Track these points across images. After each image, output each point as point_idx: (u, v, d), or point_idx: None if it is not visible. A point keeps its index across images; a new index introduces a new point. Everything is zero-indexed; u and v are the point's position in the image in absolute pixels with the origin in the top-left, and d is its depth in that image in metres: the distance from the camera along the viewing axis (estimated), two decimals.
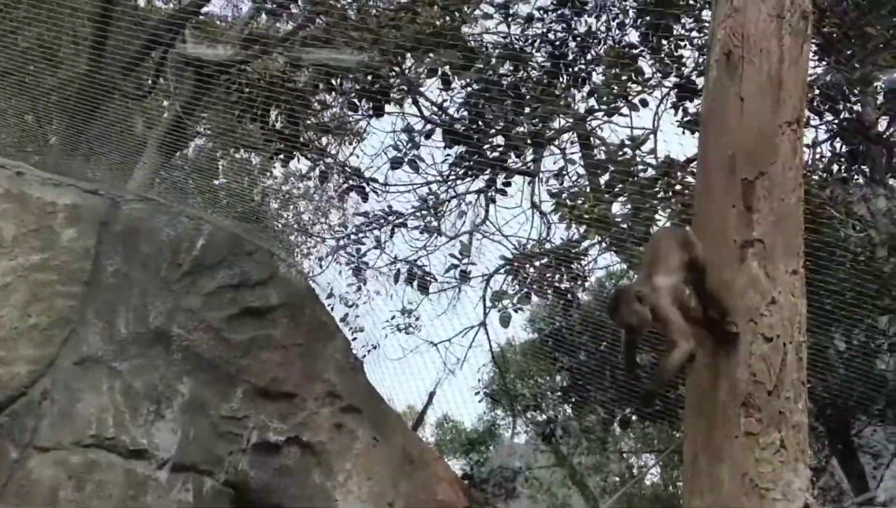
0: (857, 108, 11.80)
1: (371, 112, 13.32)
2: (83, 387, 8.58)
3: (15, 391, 8.28)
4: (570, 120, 13.13)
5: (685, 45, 12.36)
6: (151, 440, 8.77)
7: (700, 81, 11.62)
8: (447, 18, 12.76)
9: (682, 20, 12.25)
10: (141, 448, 8.71)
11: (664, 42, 12.42)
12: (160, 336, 8.96)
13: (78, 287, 8.72)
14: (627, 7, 12.90)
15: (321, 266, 15.36)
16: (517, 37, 13.19)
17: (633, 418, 15.55)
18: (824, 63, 11.31)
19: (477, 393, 17.33)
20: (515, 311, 13.02)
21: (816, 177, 11.35)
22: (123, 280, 8.94)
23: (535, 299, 14.24)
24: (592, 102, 12.95)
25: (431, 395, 15.43)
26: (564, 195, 11.95)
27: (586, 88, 13.02)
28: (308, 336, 9.72)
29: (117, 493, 8.50)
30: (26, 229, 8.65)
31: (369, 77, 12.97)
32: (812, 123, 11.61)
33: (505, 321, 13.03)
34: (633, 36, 12.91)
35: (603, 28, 13.13)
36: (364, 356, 14.86)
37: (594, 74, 13.07)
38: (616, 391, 14.24)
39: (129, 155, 13.41)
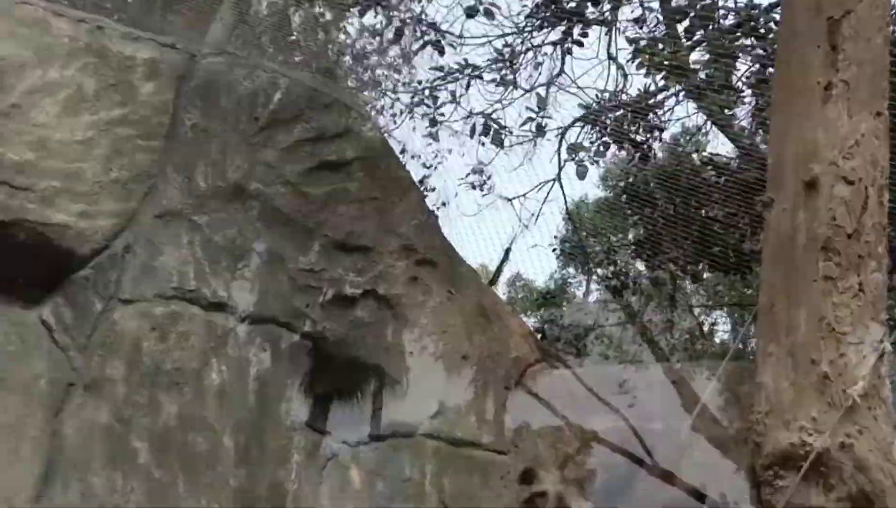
0: None
1: None
2: (164, 241, 8.73)
3: (98, 244, 8.45)
4: None
5: None
6: (231, 294, 8.94)
7: None
8: None
9: None
10: (221, 301, 8.89)
11: None
12: (238, 190, 9.06)
13: (157, 141, 8.82)
14: None
15: (395, 122, 15.37)
16: None
17: (706, 275, 15.54)
18: None
19: (553, 249, 17.39)
20: (591, 163, 12.97)
21: None
22: (201, 134, 9.01)
23: (609, 154, 14.17)
24: None
25: (507, 251, 15.48)
26: (643, 42, 11.74)
27: None
28: (383, 190, 9.77)
29: (199, 345, 8.71)
30: (106, 84, 8.72)
31: None
32: None
33: (581, 174, 12.98)
34: None
35: None
36: (437, 209, 14.88)
37: None
38: (689, 246, 14.18)
39: (205, 10, 13.39)
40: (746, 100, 12.36)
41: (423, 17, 13.89)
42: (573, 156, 13.38)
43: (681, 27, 12.14)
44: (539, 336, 15.66)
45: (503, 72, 13.71)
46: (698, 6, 11.66)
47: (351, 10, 13.43)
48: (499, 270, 15.92)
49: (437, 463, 9.67)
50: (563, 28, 13.35)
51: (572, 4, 12.87)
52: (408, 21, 13.82)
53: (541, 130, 13.70)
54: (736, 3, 11.69)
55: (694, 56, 11.88)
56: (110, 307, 8.45)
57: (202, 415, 8.61)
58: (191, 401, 8.58)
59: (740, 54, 11.26)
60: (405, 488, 9.48)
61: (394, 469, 9.52)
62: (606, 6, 13.08)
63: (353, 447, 9.53)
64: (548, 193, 15.14)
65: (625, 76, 13.43)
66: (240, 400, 8.82)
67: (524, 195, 15.42)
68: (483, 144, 14.37)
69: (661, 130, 13.62)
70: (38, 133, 8.27)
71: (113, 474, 8.17)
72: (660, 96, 12.73)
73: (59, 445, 8.06)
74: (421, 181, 15.67)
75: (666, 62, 11.11)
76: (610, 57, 13.65)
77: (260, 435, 8.87)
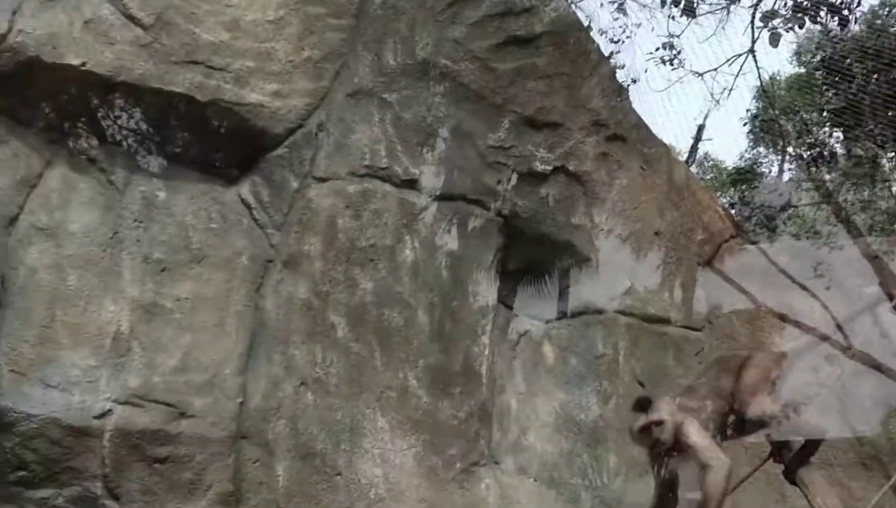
0: None
1: None
2: (356, 119, 8.78)
3: (292, 123, 8.55)
4: None
5: None
6: (422, 171, 8.96)
7: None
8: None
9: None
10: (412, 178, 8.92)
11: None
12: (426, 67, 9.01)
13: (347, 20, 8.82)
14: None
15: None
16: None
17: None
18: None
19: (745, 124, 16.90)
20: (786, 31, 12.44)
21: None
22: (390, 11, 8.97)
23: (803, 29, 13.59)
24: None
25: (701, 128, 15.11)
26: None
27: None
28: (573, 65, 9.60)
29: (392, 221, 8.78)
30: None
31: None
32: None
33: (775, 40, 12.47)
34: None
35: None
36: (626, 86, 14.59)
37: None
38: (886, 124, 13.59)
39: None
40: None
41: None
42: (766, 23, 12.85)
43: None
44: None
45: None
46: None
47: None
48: (694, 146, 15.56)
49: (630, 340, 9.62)
50: None
51: None
52: None
53: None
54: None
55: None
56: (305, 185, 8.57)
57: (397, 291, 8.72)
58: (385, 277, 8.69)
59: None
60: (598, 364, 9.47)
61: (586, 345, 9.51)
62: None
63: (545, 323, 9.55)
64: (740, 67, 14.66)
65: None
66: (433, 277, 8.89)
67: (716, 70, 14.97)
68: (673, 17, 13.94)
69: (859, 2, 12.96)
70: (232, 13, 8.37)
71: (313, 347, 8.38)
72: None
73: (260, 319, 8.30)
74: (609, 57, 15.34)
75: None
76: None
77: (453, 311, 8.95)
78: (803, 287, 10.54)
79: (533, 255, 9.60)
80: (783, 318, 10.22)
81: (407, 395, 8.65)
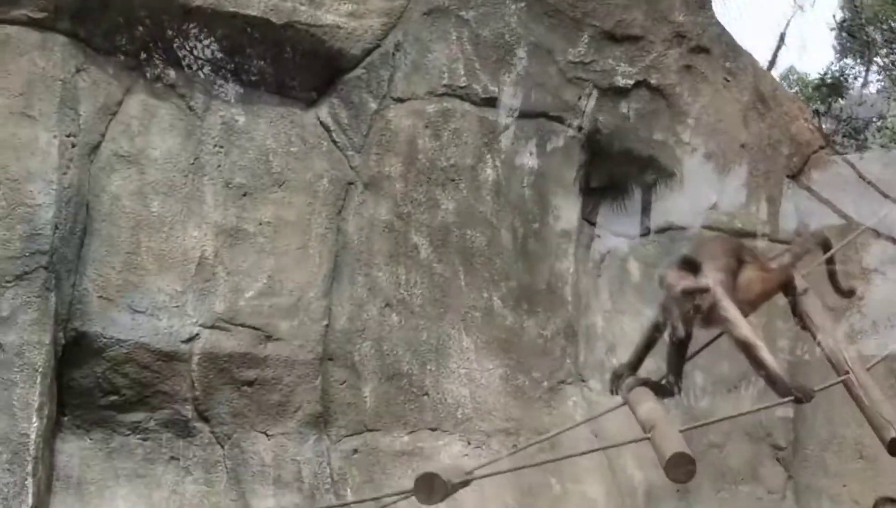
0: None
1: None
2: (433, 38, 8.68)
3: (369, 43, 8.48)
4: None
5: None
6: (501, 88, 8.85)
7: None
8: None
9: None
10: (491, 96, 8.82)
11: None
12: None
13: None
14: None
15: None
16: None
17: None
18: None
19: (832, 30, 16.50)
20: None
21: None
22: None
23: None
24: None
25: (783, 36, 14.75)
26: None
27: None
28: None
29: (472, 141, 8.71)
30: None
31: None
32: None
33: None
34: None
35: None
36: None
37: None
38: None
39: None
40: None
41: None
42: None
43: None
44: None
45: None
46: None
47: None
48: (775, 55, 15.21)
49: None
50: None
51: None
52: None
53: None
54: None
55: None
56: (384, 106, 8.51)
57: (479, 211, 8.66)
58: (467, 197, 8.63)
59: None
60: None
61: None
62: None
63: (630, 239, 9.45)
64: None
65: None
66: (515, 195, 8.81)
67: None
68: None
69: None
70: None
71: (396, 268, 8.38)
72: None
73: (343, 241, 8.30)
74: None
75: None
76: None
77: (536, 230, 8.88)
78: (894, 200, 10.28)
79: (616, 171, 9.47)
80: (877, 232, 9.99)
81: (491, 315, 8.63)
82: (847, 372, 5.71)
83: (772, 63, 15.22)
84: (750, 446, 9.28)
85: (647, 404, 5.60)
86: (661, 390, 5.80)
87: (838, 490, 9.08)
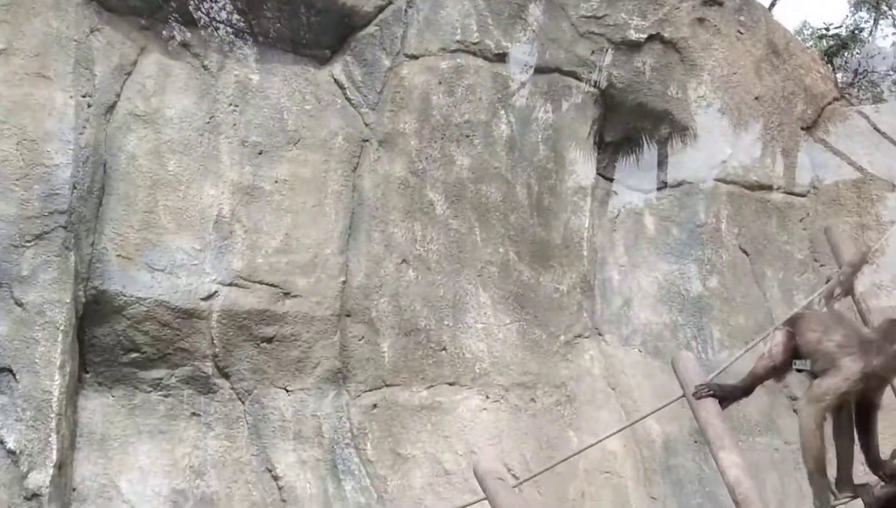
0: None
1: None
2: None
3: (381, 0, 8.47)
4: None
5: None
6: (514, 44, 8.84)
7: None
8: None
9: None
10: (504, 52, 8.82)
11: None
12: None
13: None
14: None
15: None
16: None
17: None
18: None
19: None
20: None
21: None
22: None
23: None
24: None
25: None
26: None
27: None
28: None
29: (486, 96, 8.72)
30: None
31: None
32: None
33: None
34: None
35: None
36: None
37: None
38: None
39: None
40: None
41: None
42: None
43: None
44: None
45: None
46: None
47: None
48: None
49: (732, 208, 9.48)
50: None
51: None
52: None
53: None
54: None
55: None
56: (397, 63, 8.52)
57: (494, 166, 8.68)
58: (482, 153, 8.65)
59: None
60: (700, 233, 9.36)
61: (687, 215, 9.41)
62: None
63: (645, 194, 9.45)
64: None
65: None
66: (530, 150, 8.82)
67: None
68: None
69: None
70: None
71: (412, 225, 8.40)
72: None
73: (359, 198, 8.33)
74: None
75: None
76: None
77: (552, 185, 8.89)
78: None
79: (630, 126, 9.47)
80: (893, 184, 9.97)
81: (508, 270, 8.66)
82: None
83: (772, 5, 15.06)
84: (767, 398, 9.29)
85: None
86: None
87: None
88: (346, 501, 7.86)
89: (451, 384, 8.39)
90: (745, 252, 9.36)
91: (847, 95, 11.39)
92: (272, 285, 7.91)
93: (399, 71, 8.52)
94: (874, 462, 5.37)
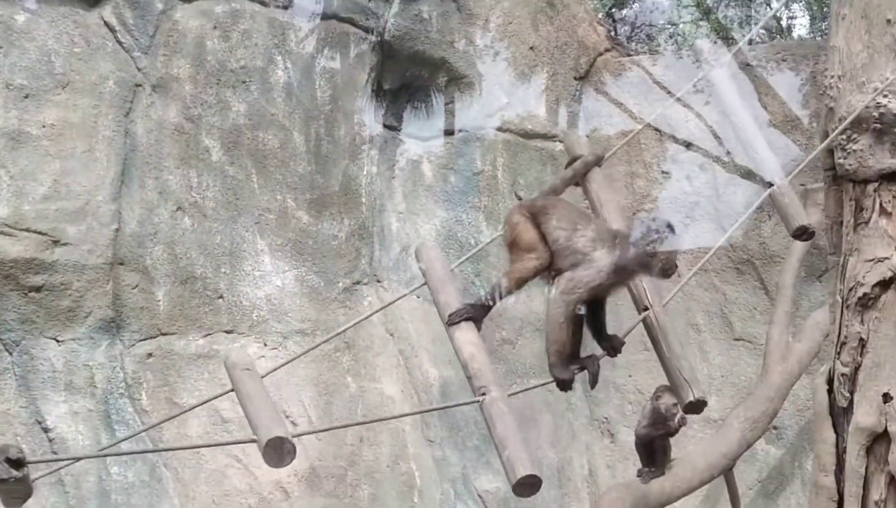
0: None
1: None
2: None
3: None
4: None
5: None
6: None
7: None
8: None
9: None
10: None
11: None
12: None
13: None
14: None
15: None
16: None
17: None
18: None
19: None
20: None
21: None
22: None
23: None
24: None
25: None
26: None
27: None
28: None
29: (262, 42, 8.66)
30: None
31: None
32: None
33: None
34: None
35: None
36: None
37: None
38: None
39: None
40: None
41: None
42: None
43: None
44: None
45: None
46: None
47: None
48: None
49: (509, 156, 9.68)
50: None
51: None
52: None
53: None
54: None
55: None
56: (170, 6, 8.36)
57: (271, 113, 8.64)
58: (258, 99, 8.59)
59: None
60: (477, 180, 9.53)
61: (465, 162, 9.56)
62: None
63: (424, 141, 9.55)
64: None
65: None
66: (308, 98, 8.81)
67: None
68: None
69: None
70: None
71: (187, 172, 8.31)
72: None
73: (131, 144, 8.16)
74: None
75: None
76: None
77: (330, 132, 8.91)
78: (683, 102, 10.61)
79: (409, 74, 9.53)
80: (660, 131, 10.30)
81: (286, 217, 8.66)
82: (646, 308, 5.81)
83: None
84: (540, 342, 9.58)
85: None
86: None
87: (625, 380, 9.52)
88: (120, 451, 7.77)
89: (228, 332, 8.37)
90: (519, 198, 9.58)
91: (621, 47, 11.69)
92: (40, 232, 7.69)
93: (172, 15, 8.37)
94: (601, 337, 5.64)
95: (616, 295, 5.72)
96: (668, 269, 5.40)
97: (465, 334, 5.30)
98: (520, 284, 5.64)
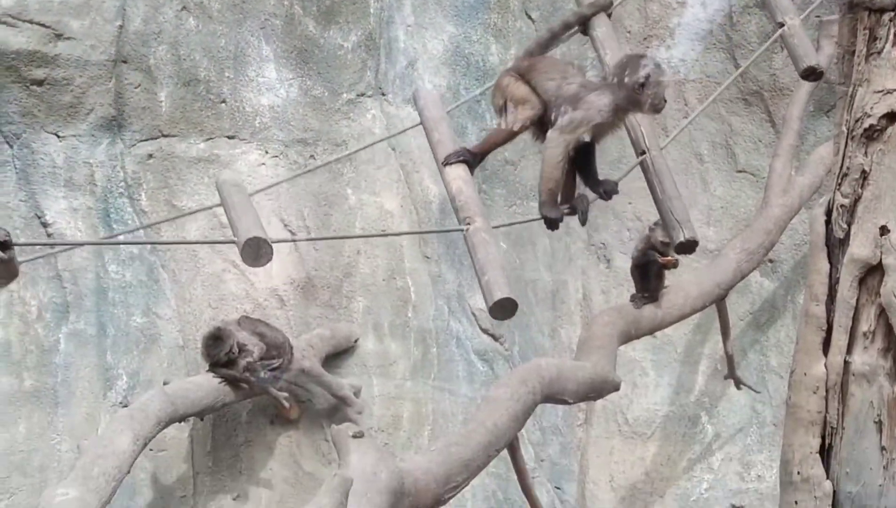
0: None
1: None
2: None
3: None
4: None
5: None
6: None
7: None
8: None
9: None
10: None
11: None
12: None
13: None
14: None
15: None
16: None
17: None
18: None
19: None
20: None
21: None
22: None
23: None
24: None
25: None
26: None
27: None
28: None
29: None
30: None
31: None
32: None
33: None
34: None
35: None
36: None
37: None
38: None
39: None
40: None
41: None
42: None
43: None
44: None
45: None
46: None
47: None
48: None
49: None
50: None
51: None
52: None
53: None
54: None
55: None
56: None
57: None
58: None
59: None
60: None
61: None
62: None
63: None
64: None
65: None
66: None
67: None
68: None
69: None
70: None
71: None
72: None
73: None
74: None
75: None
76: None
77: None
78: None
79: None
80: None
81: (292, 24, 8.52)
82: (643, 152, 5.82)
83: None
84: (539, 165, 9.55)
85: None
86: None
87: (623, 207, 9.51)
88: (117, 250, 7.83)
89: (230, 137, 8.33)
90: (530, 18, 9.42)
91: None
92: (43, 24, 7.59)
93: None
94: (593, 182, 5.74)
95: (606, 139, 5.78)
96: (657, 104, 5.45)
97: (456, 169, 5.49)
98: (512, 135, 5.70)
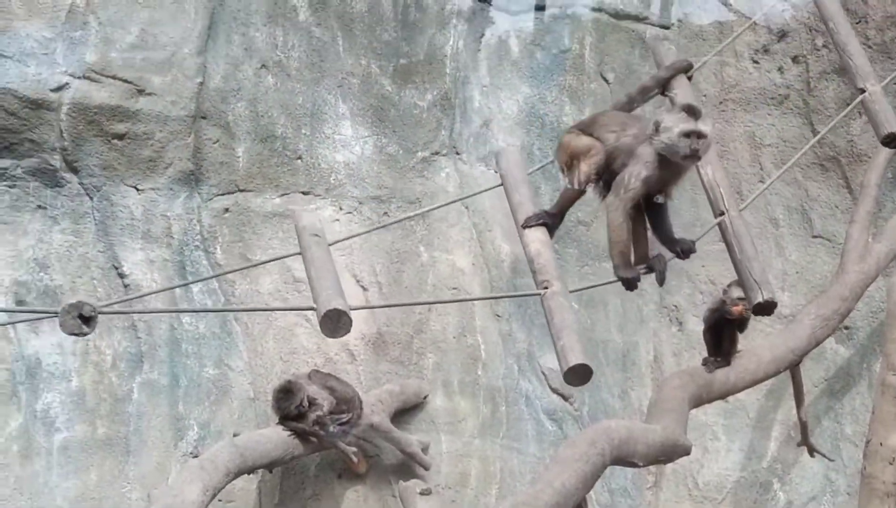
0: None
1: None
2: None
3: None
4: None
5: None
6: None
7: None
8: None
9: None
10: None
11: None
12: None
13: None
14: None
15: None
16: None
17: None
18: None
19: None
20: None
21: None
22: None
23: None
24: None
25: None
26: None
27: None
28: None
29: None
30: None
31: None
32: None
33: None
34: None
35: None
36: None
37: None
38: None
39: None
40: None
41: None
42: None
43: None
44: None
45: None
46: None
47: None
48: None
49: (598, 35, 9.51)
50: None
51: None
52: None
53: None
54: None
55: None
56: None
57: None
58: None
59: None
60: (564, 58, 9.40)
61: (553, 39, 9.41)
62: None
63: (513, 16, 9.40)
64: None
65: None
66: None
67: None
68: None
69: None
70: None
71: (273, 30, 8.32)
72: None
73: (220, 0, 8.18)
74: None
75: None
76: None
77: (418, 0, 8.82)
78: None
79: None
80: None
81: (369, 82, 8.65)
82: (722, 213, 5.79)
83: None
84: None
85: None
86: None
87: (697, 269, 9.43)
88: (192, 302, 7.92)
89: (304, 193, 8.44)
90: (605, 80, 9.45)
91: None
92: (126, 80, 7.77)
93: None
94: (669, 241, 5.66)
95: (678, 197, 5.72)
96: (691, 156, 5.40)
97: (535, 232, 5.51)
98: (581, 192, 5.71)
